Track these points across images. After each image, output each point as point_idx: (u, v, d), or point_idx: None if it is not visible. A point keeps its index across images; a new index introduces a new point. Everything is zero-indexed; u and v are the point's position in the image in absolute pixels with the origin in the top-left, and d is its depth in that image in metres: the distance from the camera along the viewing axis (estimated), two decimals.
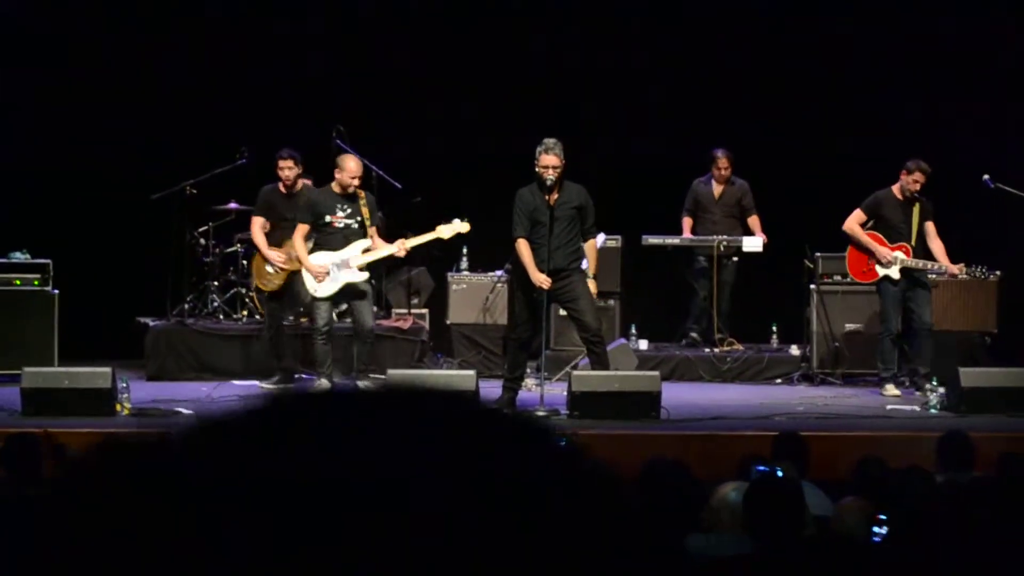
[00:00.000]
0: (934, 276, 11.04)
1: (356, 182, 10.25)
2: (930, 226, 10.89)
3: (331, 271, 10.22)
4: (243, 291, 12.07)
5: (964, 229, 11.32)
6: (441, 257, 11.98)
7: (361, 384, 10.25)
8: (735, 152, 12.34)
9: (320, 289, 10.25)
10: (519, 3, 13.55)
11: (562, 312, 10.43)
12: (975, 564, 4.00)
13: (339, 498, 0.86)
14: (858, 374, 11.66)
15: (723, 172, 12.30)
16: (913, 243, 10.85)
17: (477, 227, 10.48)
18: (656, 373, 10.07)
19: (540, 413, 9.49)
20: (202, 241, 12.22)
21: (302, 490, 0.86)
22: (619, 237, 12.19)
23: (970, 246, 11.18)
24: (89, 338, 11.60)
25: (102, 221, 12.76)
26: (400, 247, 10.25)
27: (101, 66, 12.97)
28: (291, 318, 11.29)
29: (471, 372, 10.01)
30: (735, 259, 12.19)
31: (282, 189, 10.80)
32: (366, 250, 10.27)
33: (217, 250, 12.21)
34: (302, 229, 10.28)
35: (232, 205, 11.99)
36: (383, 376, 10.20)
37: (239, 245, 12.06)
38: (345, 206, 10.23)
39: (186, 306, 11.97)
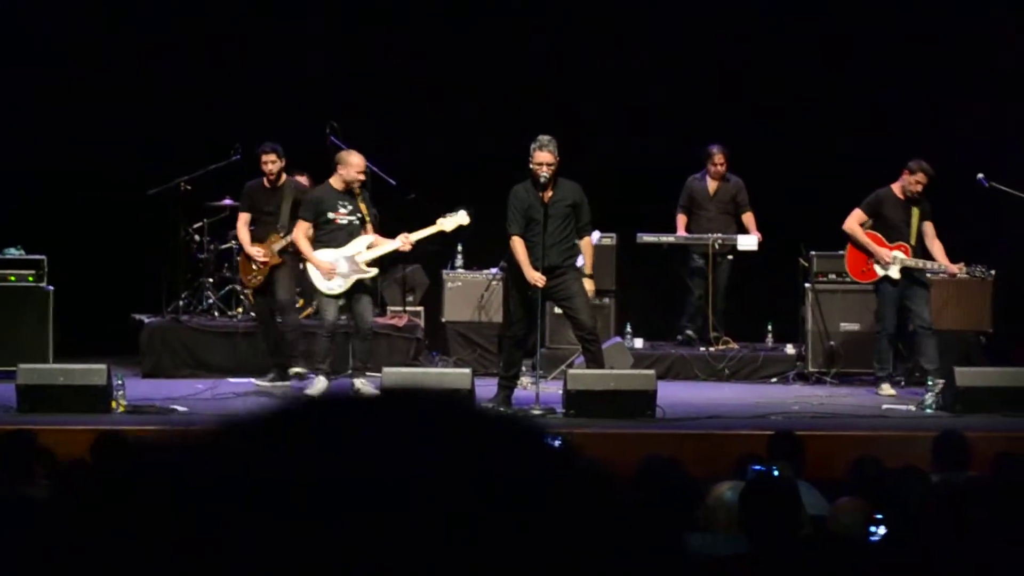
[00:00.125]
0: (932, 275, 11.04)
1: (362, 177, 10.25)
2: (929, 226, 10.88)
3: (339, 267, 10.19)
4: (238, 288, 12.07)
5: (960, 228, 11.33)
6: (438, 251, 11.96)
7: (357, 381, 10.26)
8: (734, 151, 12.34)
9: (331, 286, 10.22)
10: (519, 3, 13.56)
11: (557, 310, 10.44)
12: (971, 564, 4.00)
13: (338, 498, 0.87)
14: (853, 373, 11.66)
15: (718, 168, 12.30)
16: (912, 243, 10.84)
17: (475, 226, 10.49)
18: (651, 372, 10.08)
19: (535, 411, 9.50)
20: (197, 238, 12.24)
21: (302, 491, 0.87)
22: (614, 235, 12.19)
23: (965, 245, 11.18)
24: (84, 335, 11.59)
25: (97, 218, 12.76)
26: (404, 241, 10.24)
27: (101, 66, 12.97)
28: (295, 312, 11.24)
29: (466, 370, 10.02)
30: (730, 257, 12.20)
31: (266, 183, 10.80)
32: (370, 246, 10.26)
33: (212, 247, 12.22)
34: (304, 227, 10.25)
35: (227, 201, 11.99)
36: (378, 374, 10.19)
37: (234, 242, 12.05)
38: (346, 202, 10.22)
39: (181, 303, 11.97)
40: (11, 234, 11.62)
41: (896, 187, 10.89)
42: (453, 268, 12.38)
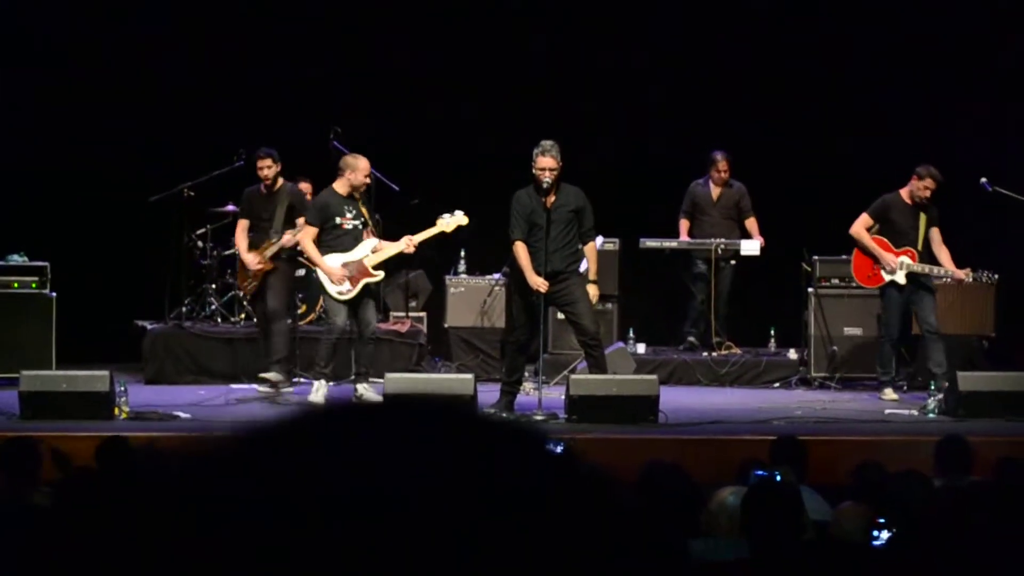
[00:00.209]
0: (937, 280, 11.01)
1: (368, 181, 10.29)
2: (935, 232, 10.85)
3: (348, 271, 10.20)
4: (240, 294, 12.07)
5: (962, 231, 11.31)
6: (433, 257, 11.94)
7: (360, 387, 10.26)
8: (735, 153, 12.34)
9: (342, 291, 10.22)
10: (519, 3, 13.56)
11: (560, 315, 10.43)
12: (974, 568, 4.00)
13: (342, 504, 0.87)
14: (856, 378, 11.66)
15: (722, 175, 12.30)
16: (919, 248, 10.81)
17: (475, 229, 10.49)
18: (654, 377, 10.07)
19: (538, 417, 9.48)
20: (200, 244, 12.23)
21: (305, 496, 0.87)
22: (617, 240, 12.19)
23: (968, 248, 11.17)
24: (87, 341, 11.60)
25: (100, 224, 12.77)
26: (408, 243, 10.25)
27: (101, 66, 12.98)
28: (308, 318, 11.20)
29: (469, 376, 10.00)
30: (733, 263, 12.19)
31: (262, 189, 10.79)
32: (375, 249, 10.27)
33: (215, 253, 12.22)
34: (311, 232, 10.25)
35: (230, 207, 11.98)
36: (381, 380, 10.19)
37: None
38: (351, 207, 10.24)
39: (184, 309, 11.97)
40: (14, 240, 11.62)
41: (904, 192, 10.86)
42: (456, 273, 12.38)
